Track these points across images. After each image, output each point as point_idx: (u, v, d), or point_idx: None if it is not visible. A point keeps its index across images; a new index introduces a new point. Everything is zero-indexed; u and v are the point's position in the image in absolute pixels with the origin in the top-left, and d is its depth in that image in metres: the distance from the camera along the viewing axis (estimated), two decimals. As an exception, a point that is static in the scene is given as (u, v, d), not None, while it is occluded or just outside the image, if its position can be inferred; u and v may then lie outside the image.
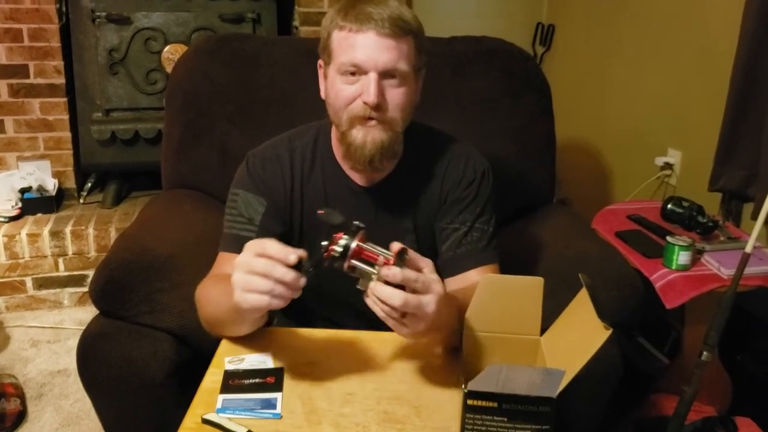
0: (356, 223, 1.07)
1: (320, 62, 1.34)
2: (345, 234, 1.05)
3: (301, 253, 1.03)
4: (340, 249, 1.03)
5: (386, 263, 1.02)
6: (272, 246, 1.03)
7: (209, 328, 1.30)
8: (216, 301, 1.23)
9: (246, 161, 1.43)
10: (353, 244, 1.04)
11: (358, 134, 1.28)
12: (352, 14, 1.22)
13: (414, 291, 1.02)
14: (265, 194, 1.39)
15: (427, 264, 1.06)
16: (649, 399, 2.05)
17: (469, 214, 1.40)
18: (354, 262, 1.04)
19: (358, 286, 1.05)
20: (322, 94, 1.36)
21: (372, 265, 1.03)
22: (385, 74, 1.24)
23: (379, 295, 1.01)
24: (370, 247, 1.05)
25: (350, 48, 1.23)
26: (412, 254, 1.05)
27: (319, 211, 1.13)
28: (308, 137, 1.44)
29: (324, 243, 1.05)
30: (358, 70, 1.24)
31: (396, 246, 1.03)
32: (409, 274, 1.01)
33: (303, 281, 1.03)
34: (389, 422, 1.08)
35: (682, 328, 2.08)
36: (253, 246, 1.05)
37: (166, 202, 1.90)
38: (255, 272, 1.02)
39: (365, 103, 1.24)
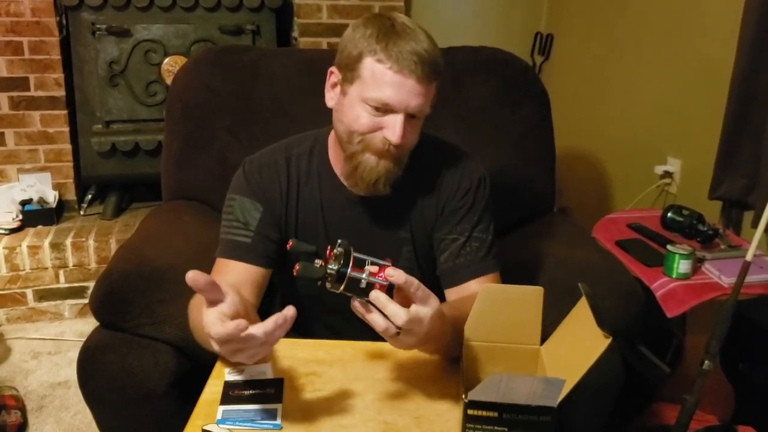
0: (340, 240, 1.07)
1: (334, 70, 1.32)
2: (336, 254, 1.04)
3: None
4: (334, 268, 1.03)
5: (380, 272, 1.03)
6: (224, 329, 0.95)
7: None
8: (199, 331, 1.20)
9: (243, 167, 1.43)
10: (348, 273, 1.03)
11: (370, 159, 1.29)
12: (393, 49, 1.20)
13: (412, 298, 1.02)
14: (261, 200, 1.39)
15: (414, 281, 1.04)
16: (651, 408, 2.04)
17: (467, 223, 1.40)
18: (353, 274, 1.03)
19: (354, 304, 1.05)
20: (330, 104, 1.34)
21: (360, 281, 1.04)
22: (409, 114, 1.25)
23: (386, 312, 1.01)
24: (364, 257, 1.05)
25: (385, 85, 1.22)
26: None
27: (289, 243, 1.13)
28: (305, 146, 1.44)
29: (318, 261, 1.05)
30: (386, 108, 1.24)
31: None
32: (412, 279, 1.01)
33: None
34: (390, 433, 1.08)
35: (684, 337, 2.08)
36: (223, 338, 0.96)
37: (166, 213, 1.90)
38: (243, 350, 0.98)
39: (388, 140, 1.25)
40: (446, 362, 1.25)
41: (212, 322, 0.97)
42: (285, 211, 1.42)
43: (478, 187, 1.42)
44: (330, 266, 1.03)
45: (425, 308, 1.02)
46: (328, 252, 1.05)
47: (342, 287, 1.03)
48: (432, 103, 1.29)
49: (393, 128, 1.23)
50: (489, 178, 1.46)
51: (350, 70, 1.27)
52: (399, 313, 1.00)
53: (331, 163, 1.41)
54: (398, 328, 1.02)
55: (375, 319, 1.02)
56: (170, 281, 1.49)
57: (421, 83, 1.22)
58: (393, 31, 1.23)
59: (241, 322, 0.94)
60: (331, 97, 1.34)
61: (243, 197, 1.39)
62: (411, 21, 1.27)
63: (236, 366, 1.23)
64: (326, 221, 1.42)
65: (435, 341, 1.14)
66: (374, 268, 1.03)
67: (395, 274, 1.01)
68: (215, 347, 0.99)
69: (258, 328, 0.96)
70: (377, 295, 1.01)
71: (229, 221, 1.39)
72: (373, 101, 1.23)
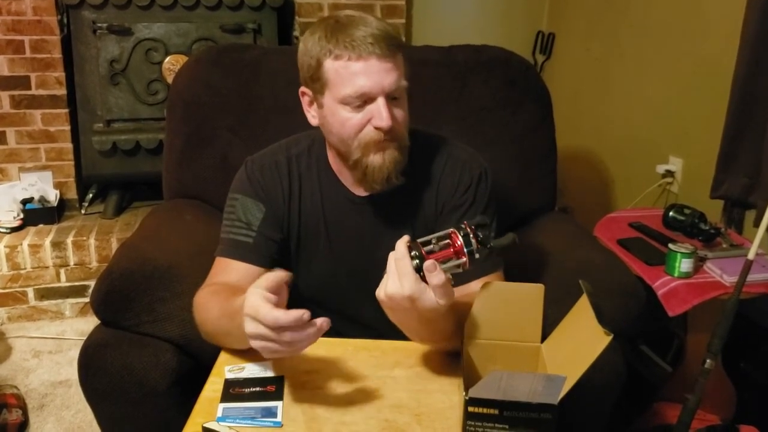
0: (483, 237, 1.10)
1: (304, 90, 1.33)
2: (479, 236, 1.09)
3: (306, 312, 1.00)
4: (460, 242, 1.08)
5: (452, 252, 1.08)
6: (286, 316, 0.99)
7: (208, 339, 1.30)
8: (218, 324, 1.23)
9: (245, 167, 1.43)
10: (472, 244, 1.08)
11: (375, 158, 1.28)
12: (345, 41, 1.21)
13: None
14: (263, 200, 1.39)
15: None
16: (653, 407, 2.04)
17: (468, 220, 1.39)
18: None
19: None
20: (313, 122, 1.35)
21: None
22: (389, 95, 1.24)
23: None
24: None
25: (352, 77, 1.21)
26: None
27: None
28: (303, 145, 1.44)
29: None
30: (365, 98, 1.23)
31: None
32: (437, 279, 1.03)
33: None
34: (390, 430, 1.08)
35: (685, 336, 2.08)
36: (261, 315, 1.00)
37: (167, 212, 1.90)
38: (279, 342, 1.01)
39: (378, 128, 1.24)
40: (447, 359, 1.25)
41: (257, 303, 1.01)
42: (287, 211, 1.41)
43: (479, 183, 1.41)
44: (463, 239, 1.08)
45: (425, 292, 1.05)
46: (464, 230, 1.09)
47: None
48: (405, 75, 1.27)
49: (379, 114, 1.23)
50: (490, 171, 1.44)
51: (316, 81, 1.27)
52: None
53: (330, 162, 1.41)
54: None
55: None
56: (171, 279, 1.49)
57: (384, 60, 1.21)
58: (339, 25, 1.23)
59: (305, 313, 0.99)
60: (312, 116, 1.35)
61: (245, 197, 1.39)
62: (356, 11, 1.27)
63: (237, 364, 1.23)
64: (327, 221, 1.42)
65: (432, 322, 1.12)
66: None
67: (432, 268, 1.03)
68: (247, 327, 1.02)
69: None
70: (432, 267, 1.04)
71: (231, 221, 1.39)
72: (350, 98, 1.23)
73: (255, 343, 1.03)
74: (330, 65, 1.23)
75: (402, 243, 1.06)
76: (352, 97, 1.23)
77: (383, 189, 1.34)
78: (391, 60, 1.22)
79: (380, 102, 1.23)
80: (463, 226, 1.08)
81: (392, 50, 1.22)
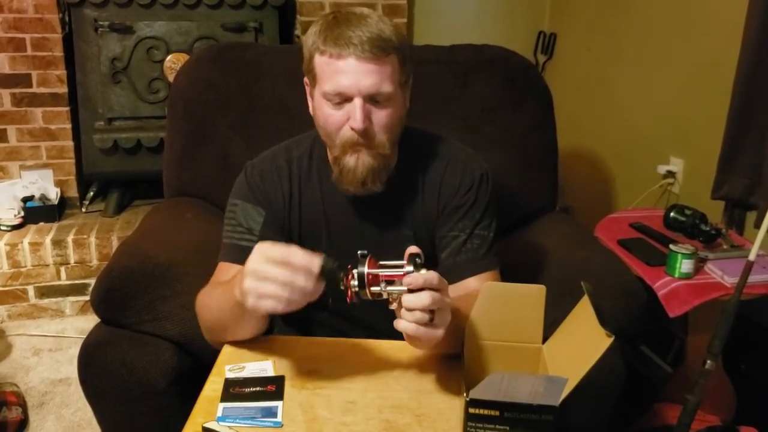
0: (360, 252, 1.06)
1: (306, 80, 1.34)
2: (355, 268, 1.04)
3: (320, 258, 1.04)
4: (356, 282, 1.04)
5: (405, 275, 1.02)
6: (296, 254, 1.03)
7: (210, 335, 1.31)
8: (217, 306, 1.24)
9: (245, 172, 1.42)
10: (365, 272, 1.04)
11: (350, 159, 1.28)
12: (332, 38, 1.21)
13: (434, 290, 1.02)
14: (264, 205, 1.38)
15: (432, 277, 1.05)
16: (653, 408, 2.04)
17: (469, 220, 1.39)
18: (374, 289, 1.04)
19: (391, 308, 1.05)
20: (311, 111, 1.35)
21: (393, 283, 1.04)
22: (369, 98, 1.23)
23: (410, 304, 1.01)
24: (385, 271, 1.04)
25: (333, 75, 1.22)
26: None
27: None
28: (304, 147, 1.44)
29: (342, 286, 1.06)
30: (343, 97, 1.23)
31: (410, 249, 1.04)
32: (429, 275, 1.01)
33: (320, 291, 1.05)
34: (391, 431, 1.08)
35: (686, 337, 2.08)
36: (267, 251, 1.05)
37: (167, 210, 1.90)
38: (273, 280, 1.03)
39: (352, 129, 1.24)
40: (448, 360, 1.25)
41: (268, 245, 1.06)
42: (288, 214, 1.41)
43: (480, 184, 1.41)
44: (352, 283, 1.04)
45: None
46: (348, 273, 1.05)
47: (368, 292, 1.05)
48: (398, 81, 1.26)
49: (353, 115, 1.22)
50: (491, 173, 1.44)
51: (309, 72, 1.29)
52: (422, 296, 1.00)
53: (330, 163, 1.40)
54: (430, 312, 1.02)
55: (411, 316, 1.03)
56: (171, 278, 1.49)
57: (365, 62, 1.20)
58: (334, 22, 1.23)
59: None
60: (309, 105, 1.35)
61: (245, 203, 1.38)
62: (363, 9, 1.26)
63: (238, 363, 1.23)
64: (328, 222, 1.42)
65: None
66: (395, 272, 1.03)
67: (411, 281, 1.00)
68: (249, 263, 1.05)
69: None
70: (409, 279, 1.01)
71: (232, 226, 1.38)
72: (329, 95, 1.23)
73: (249, 283, 1.04)
74: (318, 60, 1.24)
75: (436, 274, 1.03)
76: (331, 94, 1.23)
77: (358, 192, 1.33)
78: (374, 63, 1.21)
79: (356, 103, 1.22)
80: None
81: (377, 53, 1.20)
